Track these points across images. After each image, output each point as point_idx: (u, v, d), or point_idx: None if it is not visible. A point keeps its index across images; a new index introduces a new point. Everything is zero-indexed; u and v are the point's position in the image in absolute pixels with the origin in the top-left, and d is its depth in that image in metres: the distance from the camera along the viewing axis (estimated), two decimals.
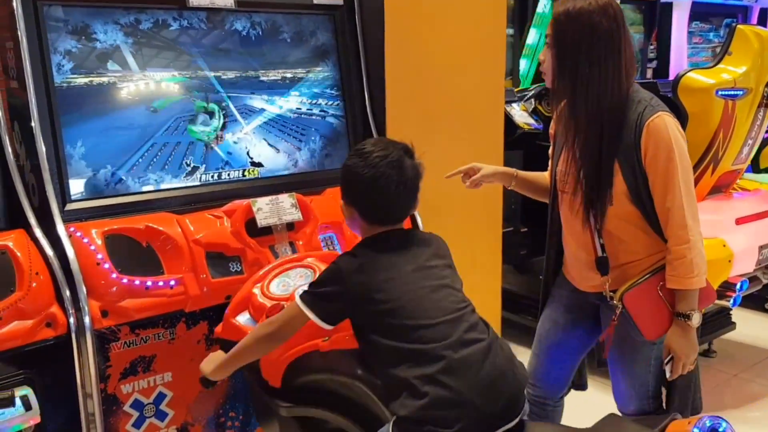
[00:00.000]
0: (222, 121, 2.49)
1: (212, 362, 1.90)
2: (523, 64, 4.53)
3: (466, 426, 1.56)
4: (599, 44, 1.90)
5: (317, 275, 1.77)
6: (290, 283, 2.06)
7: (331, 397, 1.92)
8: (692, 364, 1.99)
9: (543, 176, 2.33)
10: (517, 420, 1.66)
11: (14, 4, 2.09)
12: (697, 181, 3.17)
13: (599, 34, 1.89)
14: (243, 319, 2.04)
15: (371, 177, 1.71)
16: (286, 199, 2.36)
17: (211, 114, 2.48)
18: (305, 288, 1.75)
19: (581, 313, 2.19)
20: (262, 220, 2.29)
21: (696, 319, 1.93)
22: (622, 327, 2.04)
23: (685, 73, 3.12)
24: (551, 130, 2.23)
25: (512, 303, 3.87)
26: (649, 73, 5.14)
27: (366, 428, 1.85)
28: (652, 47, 5.12)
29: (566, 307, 2.22)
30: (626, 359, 2.11)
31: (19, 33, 2.10)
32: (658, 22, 5.07)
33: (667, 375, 2.01)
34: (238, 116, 2.54)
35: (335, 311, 1.72)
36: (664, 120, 1.91)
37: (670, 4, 5.09)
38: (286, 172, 2.63)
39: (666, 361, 1.99)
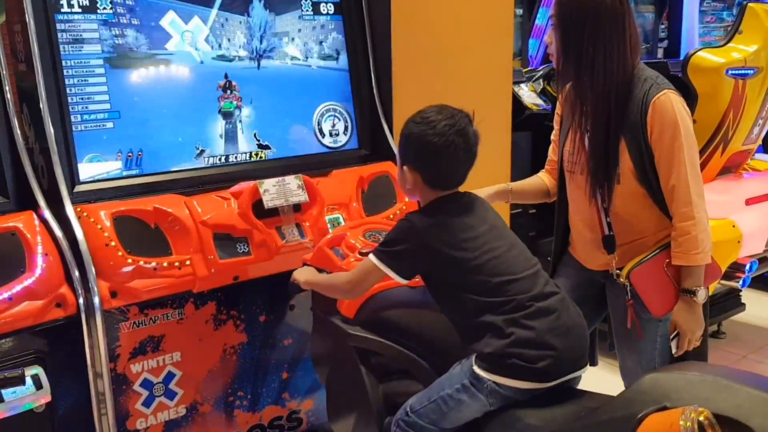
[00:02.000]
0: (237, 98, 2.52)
1: (305, 274, 2.07)
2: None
3: (547, 366, 1.67)
4: (603, 23, 1.90)
5: (387, 234, 1.85)
6: (380, 238, 2.14)
7: (403, 333, 1.98)
8: (698, 340, 2.01)
9: (537, 179, 2.33)
10: (584, 371, 1.78)
11: None
12: (706, 162, 3.16)
13: (603, 13, 1.90)
14: (334, 251, 2.14)
15: (441, 145, 1.76)
16: (292, 181, 2.36)
17: (226, 88, 2.50)
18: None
19: (587, 290, 2.19)
20: (268, 202, 2.30)
21: (702, 295, 1.95)
22: (632, 308, 2.05)
23: (695, 52, 3.09)
24: (557, 111, 2.23)
25: None
26: (660, 53, 5.09)
27: (433, 366, 1.90)
28: (663, 26, 5.06)
29: (572, 284, 2.23)
30: (633, 336, 2.12)
31: (26, 16, 2.11)
32: (669, 1, 5.01)
33: (673, 351, 2.02)
34: (244, 97, 2.55)
35: (412, 267, 1.80)
36: (669, 98, 1.91)
37: None
38: (292, 154, 2.64)
39: (672, 336, 2.01)
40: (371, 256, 1.81)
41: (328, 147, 2.73)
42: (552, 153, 2.31)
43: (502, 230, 1.84)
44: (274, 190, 2.32)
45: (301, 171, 2.45)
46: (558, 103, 2.23)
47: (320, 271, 2.11)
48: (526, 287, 1.73)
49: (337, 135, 2.75)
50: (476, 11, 2.96)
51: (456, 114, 1.79)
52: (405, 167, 1.84)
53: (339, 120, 2.76)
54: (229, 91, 2.51)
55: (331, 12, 2.75)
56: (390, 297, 1.99)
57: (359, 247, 2.11)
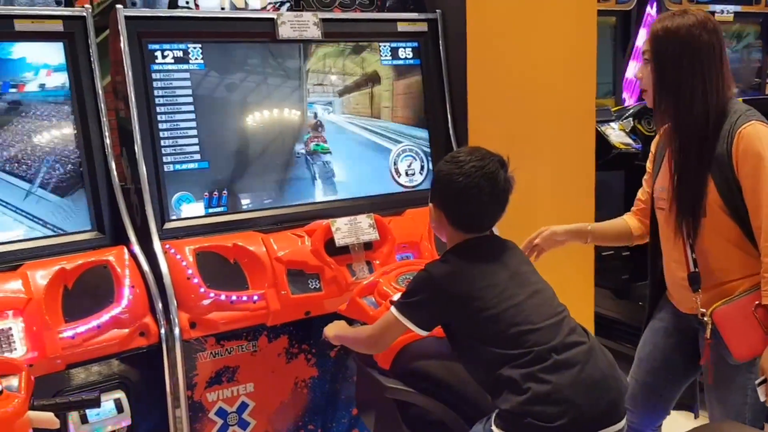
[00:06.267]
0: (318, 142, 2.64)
1: (334, 328, 2.07)
2: None
3: (567, 424, 1.58)
4: (700, 57, 1.88)
5: (407, 285, 1.85)
6: None
7: (436, 384, 1.96)
8: None
9: (620, 221, 2.27)
10: (619, 426, 1.67)
11: (121, 40, 2.30)
12: None
13: (700, 47, 1.88)
14: (368, 301, 2.15)
15: (465, 186, 1.76)
16: (364, 220, 2.44)
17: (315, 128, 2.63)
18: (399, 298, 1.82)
19: (682, 337, 2.10)
20: (340, 240, 2.38)
21: None
22: (715, 350, 1.95)
23: None
24: (651, 151, 2.18)
25: (607, 329, 3.75)
26: None
27: (466, 418, 1.88)
28: None
29: (667, 329, 2.14)
30: (720, 386, 2.00)
31: (125, 67, 2.31)
32: None
33: (761, 398, 1.89)
34: (324, 138, 2.66)
35: (431, 317, 1.78)
36: (756, 128, 1.85)
37: None
38: (369, 193, 2.71)
39: (759, 382, 1.88)
40: (392, 309, 1.79)
41: (403, 186, 2.79)
42: (641, 194, 2.24)
43: (525, 276, 1.79)
44: (346, 229, 2.40)
45: (375, 210, 2.52)
46: (653, 143, 2.18)
47: (353, 322, 2.10)
48: (546, 338, 1.66)
49: (413, 175, 2.81)
50: (556, 51, 2.95)
51: (487, 157, 1.78)
52: (431, 204, 1.85)
53: (415, 160, 2.82)
54: (317, 132, 2.62)
55: (410, 57, 2.83)
56: (424, 347, 1.95)
57: (391, 294, 2.07)
